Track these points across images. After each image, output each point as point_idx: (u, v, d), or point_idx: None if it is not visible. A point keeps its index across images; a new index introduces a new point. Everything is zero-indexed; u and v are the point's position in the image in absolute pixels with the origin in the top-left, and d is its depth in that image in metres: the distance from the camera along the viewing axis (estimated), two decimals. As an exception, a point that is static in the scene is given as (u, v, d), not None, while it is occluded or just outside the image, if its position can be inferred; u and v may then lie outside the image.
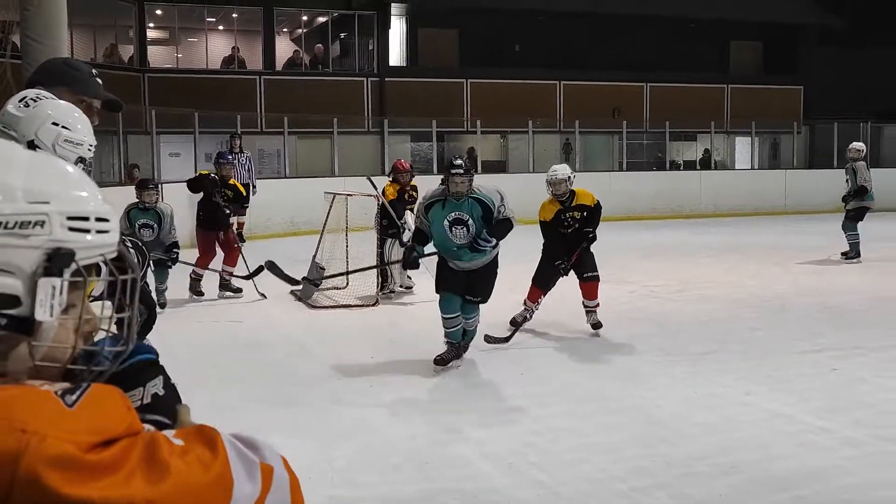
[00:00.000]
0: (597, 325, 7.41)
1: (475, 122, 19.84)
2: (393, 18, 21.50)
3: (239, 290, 9.57)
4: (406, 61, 22.04)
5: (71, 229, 1.02)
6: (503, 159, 21.85)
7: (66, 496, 0.87)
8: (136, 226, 8.45)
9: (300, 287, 9.46)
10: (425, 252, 6.61)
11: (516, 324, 7.39)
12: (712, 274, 10.89)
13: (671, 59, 22.66)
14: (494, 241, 6.24)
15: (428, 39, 22.13)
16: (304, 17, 21.17)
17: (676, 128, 21.42)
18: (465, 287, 6.33)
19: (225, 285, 9.60)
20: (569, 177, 7.32)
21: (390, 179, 9.86)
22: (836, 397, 5.57)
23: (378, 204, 9.58)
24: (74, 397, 0.94)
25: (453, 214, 6.20)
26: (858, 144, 12.23)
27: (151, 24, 20.37)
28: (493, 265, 6.47)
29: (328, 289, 9.67)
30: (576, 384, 6.04)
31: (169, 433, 1.00)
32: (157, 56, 20.42)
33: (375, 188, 9.55)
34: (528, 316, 7.48)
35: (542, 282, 7.50)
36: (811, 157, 23.56)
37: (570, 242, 7.32)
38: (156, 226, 8.52)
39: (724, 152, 23.35)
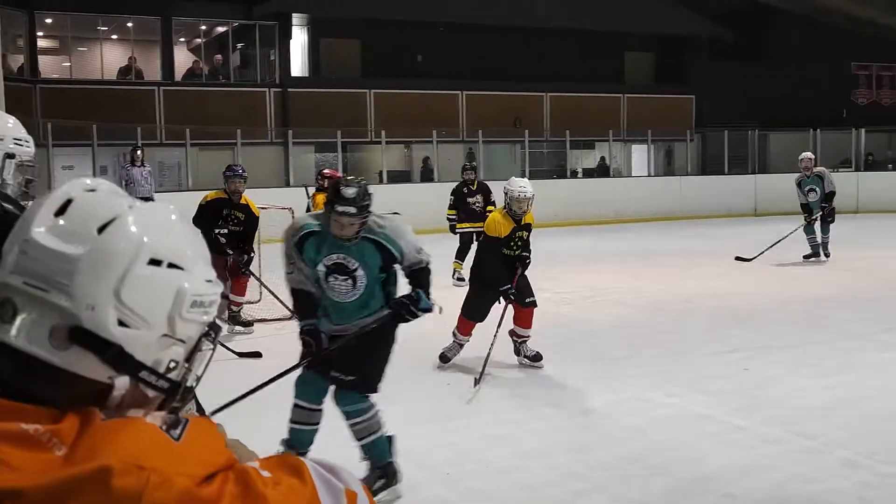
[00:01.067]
0: (536, 358, 6.70)
1: (380, 133, 19.87)
2: (294, 28, 21.37)
3: (250, 325, 8.45)
4: (309, 72, 21.93)
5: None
6: (407, 169, 21.94)
7: None
8: None
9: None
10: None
11: (446, 359, 6.76)
12: (620, 279, 11.18)
13: (570, 69, 23.18)
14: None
15: (330, 50, 22.08)
16: (203, 27, 20.84)
17: (576, 136, 21.90)
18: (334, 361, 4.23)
19: (234, 318, 8.41)
20: (533, 195, 6.78)
21: (316, 189, 9.88)
22: (751, 396, 5.81)
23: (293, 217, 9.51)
24: (179, 431, 0.96)
25: (334, 258, 4.21)
26: (809, 153, 13.04)
27: (42, 33, 19.71)
28: (388, 332, 4.31)
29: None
30: (504, 392, 6.13)
31: (254, 464, 1.01)
32: (49, 66, 19.77)
33: (309, 197, 9.62)
34: (457, 351, 6.78)
35: (478, 312, 6.73)
36: (703, 164, 24.42)
37: (509, 265, 6.66)
38: None
39: (621, 160, 23.97)
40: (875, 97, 28.37)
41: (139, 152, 14.44)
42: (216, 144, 18.89)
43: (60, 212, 1.01)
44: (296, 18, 21.27)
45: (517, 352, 6.74)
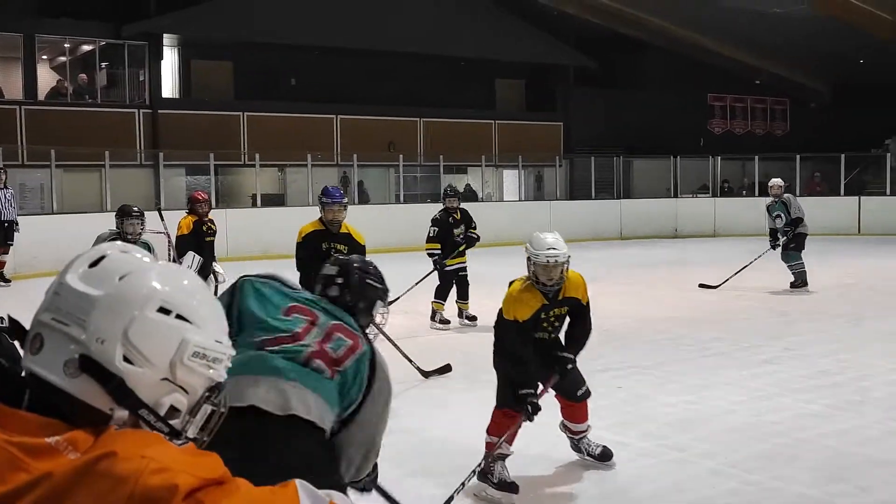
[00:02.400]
0: (606, 455, 5.10)
1: (253, 156, 19.71)
2: (165, 49, 20.99)
3: None
4: (180, 93, 21.57)
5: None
6: (282, 192, 21.82)
7: None
8: None
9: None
10: None
11: (510, 487, 4.70)
12: (494, 303, 11.41)
13: (443, 95, 23.62)
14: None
15: (202, 71, 21.79)
16: (68, 45, 20.20)
17: (449, 161, 22.28)
18: None
19: None
20: (569, 257, 4.88)
21: (187, 211, 9.62)
22: (625, 413, 6.12)
23: (168, 241, 9.39)
24: (181, 442, 1.12)
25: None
26: (778, 180, 12.60)
27: None
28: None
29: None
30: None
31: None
32: None
33: (163, 221, 9.36)
34: (503, 468, 4.78)
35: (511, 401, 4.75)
36: (572, 189, 25.24)
37: (543, 353, 4.83)
38: None
39: (493, 185, 24.50)
40: (729, 127, 30.03)
41: (3, 174, 13.88)
42: (83, 166, 18.34)
43: (94, 264, 1.16)
44: (166, 39, 20.90)
45: (577, 448, 5.16)
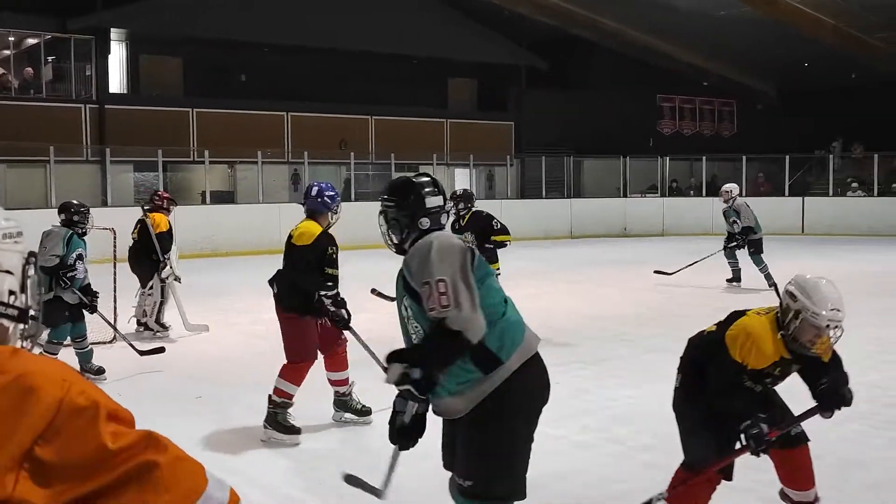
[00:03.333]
0: None
1: (203, 153, 19.54)
2: (112, 44, 20.71)
3: (367, 413, 5.97)
4: (127, 88, 21.30)
5: None
6: (231, 189, 21.66)
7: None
8: (74, 257, 7.09)
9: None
10: None
11: None
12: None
13: (395, 93, 23.63)
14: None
15: (150, 66, 21.54)
16: (12, 38, 19.85)
17: (401, 160, 22.30)
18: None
19: (343, 403, 6.01)
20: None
21: (150, 209, 9.56)
22: (564, 407, 6.18)
23: (130, 236, 9.41)
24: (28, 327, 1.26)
25: None
26: (731, 186, 12.65)
27: None
28: (483, 412, 3.13)
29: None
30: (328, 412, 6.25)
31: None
32: None
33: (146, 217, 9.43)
34: None
35: (704, 456, 3.86)
36: (522, 188, 25.42)
37: (754, 403, 3.72)
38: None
39: (444, 183, 24.55)
40: (678, 128, 30.44)
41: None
42: (26, 161, 18.04)
43: None
44: (114, 33, 20.64)
45: None
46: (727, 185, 12.78)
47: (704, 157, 24.74)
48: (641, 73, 27.63)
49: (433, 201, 3.36)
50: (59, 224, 7.49)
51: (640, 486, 4.65)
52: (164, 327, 9.25)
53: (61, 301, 6.96)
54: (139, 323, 9.27)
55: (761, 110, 30.81)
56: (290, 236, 5.72)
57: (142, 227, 9.43)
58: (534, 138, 25.83)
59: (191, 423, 5.82)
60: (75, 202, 7.78)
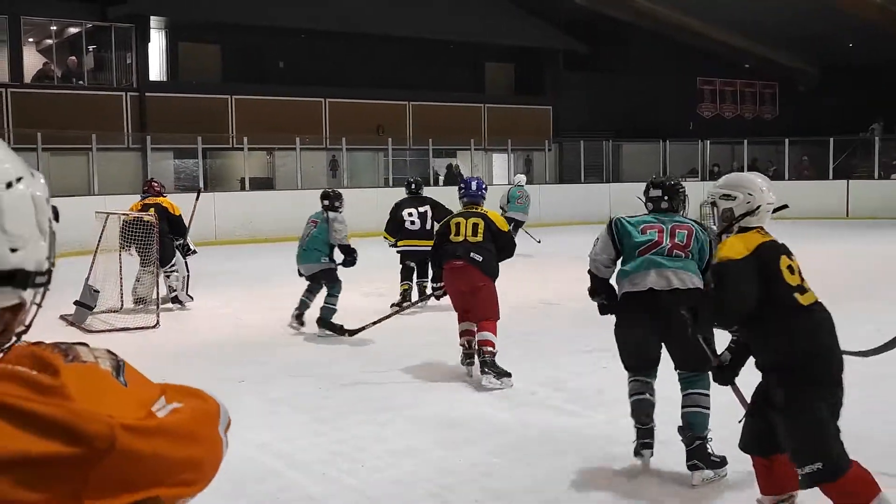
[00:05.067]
0: None
1: (241, 139, 19.65)
2: (152, 31, 20.86)
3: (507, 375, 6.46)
4: (167, 76, 21.47)
5: None
6: (270, 176, 21.77)
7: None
8: None
9: (72, 312, 9.04)
10: None
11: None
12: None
13: (432, 78, 23.56)
14: None
15: (189, 54, 21.68)
16: (54, 28, 20.07)
17: (438, 145, 22.26)
18: None
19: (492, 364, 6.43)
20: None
21: (149, 195, 10.11)
22: (608, 393, 6.14)
23: (154, 224, 9.40)
24: (123, 378, 1.13)
25: None
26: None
27: None
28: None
29: (102, 312, 9.31)
30: (369, 395, 6.25)
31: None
32: None
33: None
34: None
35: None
36: (560, 173, 25.26)
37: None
38: None
39: (483, 168, 24.50)
40: (718, 111, 30.06)
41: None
42: (70, 149, 18.27)
43: None
44: (153, 21, 20.78)
45: None
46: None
47: (746, 141, 24.39)
48: (681, 56, 27.30)
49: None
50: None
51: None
52: (192, 298, 9.97)
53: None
54: (139, 301, 9.60)
55: (803, 92, 30.31)
56: (485, 218, 6.81)
57: (159, 211, 9.58)
58: (572, 122, 25.64)
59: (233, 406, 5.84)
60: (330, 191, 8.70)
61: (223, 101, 21.17)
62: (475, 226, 6.75)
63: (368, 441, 5.20)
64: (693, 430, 4.40)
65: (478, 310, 6.55)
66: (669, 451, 4.60)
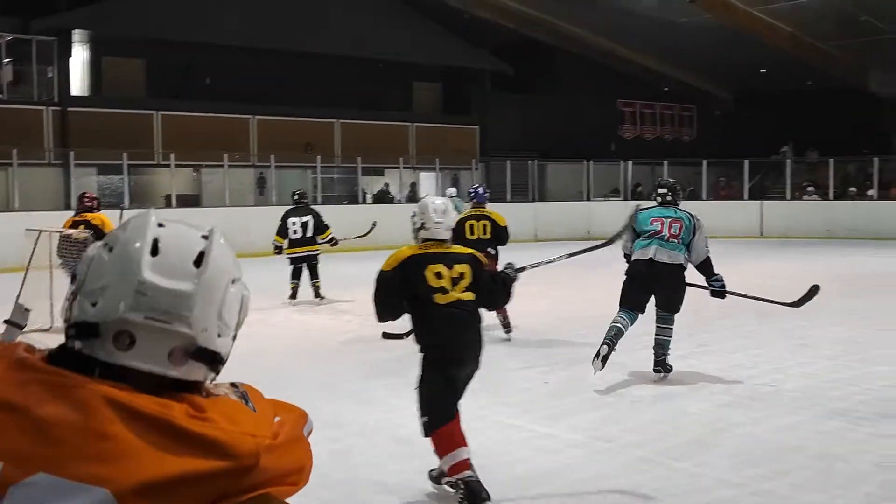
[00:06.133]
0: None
1: (168, 156, 19.40)
2: (75, 45, 20.49)
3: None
4: (90, 91, 21.08)
5: None
6: (197, 193, 21.52)
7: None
8: None
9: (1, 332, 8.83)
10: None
11: None
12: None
13: (360, 97, 23.66)
14: None
15: (113, 68, 21.36)
16: (-28, 40, 19.55)
17: (367, 163, 22.32)
18: None
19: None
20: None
21: (80, 210, 10.24)
22: (552, 407, 6.32)
23: (88, 240, 9.28)
24: (251, 404, 1.28)
25: None
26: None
27: None
28: None
29: (33, 331, 9.11)
30: (315, 409, 6.28)
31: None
32: None
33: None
34: None
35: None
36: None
37: None
38: None
39: (409, 187, 24.63)
40: (639, 132, 30.84)
41: None
42: (-11, 164, 17.81)
43: (154, 252, 1.22)
44: (76, 35, 20.43)
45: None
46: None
47: (666, 162, 25.06)
48: (603, 79, 27.96)
49: None
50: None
51: (633, 480, 4.79)
52: None
53: None
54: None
55: (720, 115, 31.31)
56: (490, 219, 9.39)
57: (90, 228, 9.61)
58: (499, 142, 26.00)
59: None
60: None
61: (148, 116, 20.88)
62: (485, 227, 9.25)
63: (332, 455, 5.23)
64: (662, 348, 6.98)
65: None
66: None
